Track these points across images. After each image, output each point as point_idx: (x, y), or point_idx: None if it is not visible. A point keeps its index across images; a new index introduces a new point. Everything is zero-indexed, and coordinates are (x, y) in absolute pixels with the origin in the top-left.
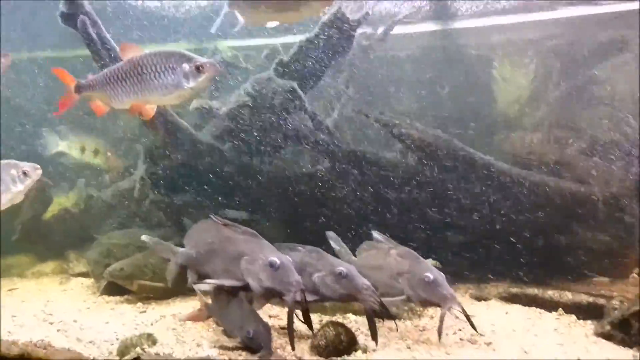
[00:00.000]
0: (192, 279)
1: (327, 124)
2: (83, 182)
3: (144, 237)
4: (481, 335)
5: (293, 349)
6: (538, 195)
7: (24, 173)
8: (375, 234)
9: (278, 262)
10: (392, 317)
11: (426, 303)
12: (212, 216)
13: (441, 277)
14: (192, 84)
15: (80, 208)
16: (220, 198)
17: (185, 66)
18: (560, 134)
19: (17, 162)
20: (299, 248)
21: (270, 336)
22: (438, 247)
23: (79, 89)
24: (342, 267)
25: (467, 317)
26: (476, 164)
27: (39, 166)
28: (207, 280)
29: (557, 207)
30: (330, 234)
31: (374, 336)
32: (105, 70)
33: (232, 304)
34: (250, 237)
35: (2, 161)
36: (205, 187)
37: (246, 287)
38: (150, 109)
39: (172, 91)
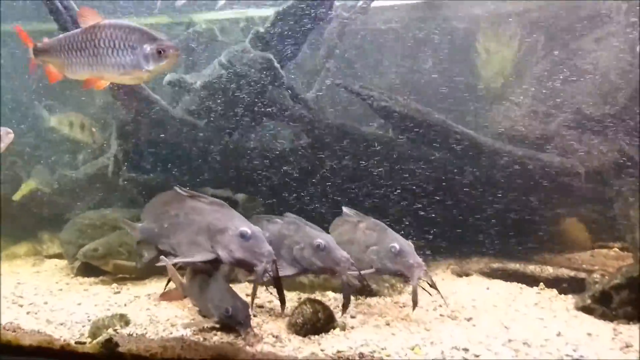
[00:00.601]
0: (148, 255)
1: (307, 97)
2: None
3: (123, 221)
4: (447, 305)
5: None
6: (521, 169)
7: None
8: (345, 209)
9: (249, 232)
10: (372, 292)
11: (394, 274)
12: (176, 187)
13: (409, 247)
14: (151, 67)
15: (53, 188)
16: (195, 175)
17: (147, 47)
18: (544, 107)
19: None
20: (277, 220)
21: (248, 313)
22: (418, 222)
23: (36, 52)
24: (320, 239)
25: (435, 287)
26: (458, 138)
27: (10, 130)
28: (178, 259)
29: (540, 181)
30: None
31: (345, 307)
32: (61, 36)
33: (208, 282)
34: (218, 207)
35: None
36: (181, 164)
37: (216, 261)
38: (103, 84)
39: (128, 71)
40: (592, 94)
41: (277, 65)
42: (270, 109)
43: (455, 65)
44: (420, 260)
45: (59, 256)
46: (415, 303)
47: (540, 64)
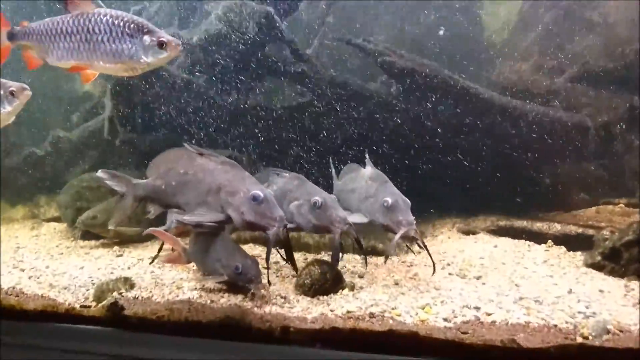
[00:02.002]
0: (154, 211)
1: (307, 53)
2: None
3: (99, 173)
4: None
5: (270, 284)
6: (528, 124)
7: (12, 93)
8: (367, 157)
9: (262, 195)
10: (378, 252)
11: (385, 229)
12: (186, 144)
13: (403, 203)
14: (150, 59)
15: (48, 150)
16: (195, 135)
17: (147, 38)
18: (551, 61)
19: (3, 80)
20: (284, 174)
21: (259, 270)
22: (424, 179)
23: (12, 36)
24: (318, 196)
25: (426, 248)
26: (466, 93)
27: (27, 87)
28: (187, 217)
29: (548, 136)
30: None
31: (333, 260)
32: (47, 20)
33: (214, 242)
34: (229, 168)
35: None
36: (179, 124)
37: (225, 222)
38: (91, 74)
39: (124, 61)
40: (600, 46)
41: (277, 19)
42: (270, 65)
43: (459, 18)
44: (411, 218)
45: (57, 219)
46: (386, 257)
47: (548, 15)
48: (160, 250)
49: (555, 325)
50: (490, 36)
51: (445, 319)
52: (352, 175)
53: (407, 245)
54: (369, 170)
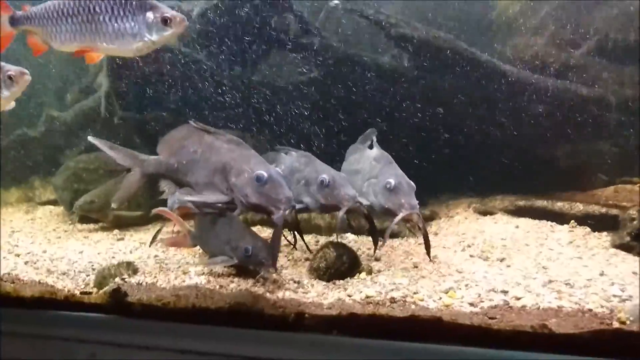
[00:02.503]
0: (169, 190)
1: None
2: None
3: (90, 138)
4: (432, 261)
5: (275, 269)
6: (548, 100)
7: (10, 78)
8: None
9: (266, 175)
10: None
11: (385, 212)
12: (191, 121)
13: (408, 187)
14: (155, 37)
15: (41, 131)
16: (196, 113)
17: (150, 15)
18: (567, 34)
19: (3, 63)
20: (292, 153)
21: (270, 252)
22: (438, 158)
23: (14, 21)
24: (326, 174)
25: (426, 235)
26: (482, 67)
27: (27, 71)
28: (189, 198)
29: (568, 112)
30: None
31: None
32: (48, 2)
33: (220, 223)
34: (235, 146)
35: None
36: (180, 101)
37: (229, 204)
38: (96, 56)
39: (128, 41)
40: (620, 18)
41: None
42: (276, 38)
43: None
44: (415, 202)
45: (53, 202)
46: (375, 242)
47: None
48: (158, 233)
49: (590, 310)
50: (502, 7)
51: (471, 304)
52: (357, 155)
53: (410, 230)
54: (374, 150)
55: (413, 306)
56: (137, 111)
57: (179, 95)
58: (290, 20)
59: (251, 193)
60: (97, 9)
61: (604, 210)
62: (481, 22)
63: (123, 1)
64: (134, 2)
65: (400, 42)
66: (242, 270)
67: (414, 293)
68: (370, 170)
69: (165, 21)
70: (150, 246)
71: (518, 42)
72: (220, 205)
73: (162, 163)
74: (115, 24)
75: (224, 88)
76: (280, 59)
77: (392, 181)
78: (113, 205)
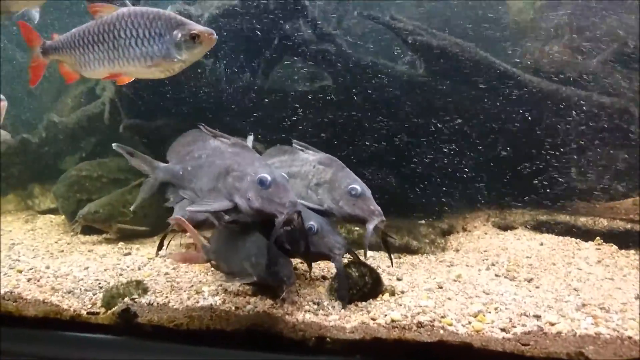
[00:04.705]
0: (174, 199)
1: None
2: None
3: (114, 146)
4: (396, 269)
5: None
6: (569, 110)
7: (192, 38)
8: (295, 143)
9: (269, 178)
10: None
11: (349, 219)
12: (201, 125)
13: (368, 191)
14: (184, 56)
15: (42, 137)
16: (204, 120)
17: (177, 34)
18: (583, 41)
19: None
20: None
21: (292, 270)
22: (455, 168)
23: (44, 50)
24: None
25: (387, 244)
26: (503, 76)
27: (4, 97)
28: (191, 208)
29: (587, 121)
30: None
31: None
32: (73, 30)
33: (241, 238)
34: (239, 150)
35: None
36: (187, 107)
37: (233, 210)
38: (127, 78)
39: (158, 62)
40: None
41: None
42: (289, 45)
43: None
44: (379, 208)
45: (53, 211)
46: (365, 250)
47: None
48: (161, 244)
49: (630, 337)
50: (515, 14)
51: (502, 329)
52: (285, 158)
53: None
54: (317, 154)
55: (441, 331)
56: (144, 118)
57: (187, 102)
58: (304, 26)
59: (254, 197)
60: (122, 34)
61: (629, 226)
62: (496, 26)
63: (147, 23)
64: (159, 22)
65: (418, 49)
66: (260, 289)
67: (442, 317)
68: (318, 174)
69: (194, 38)
70: (157, 256)
71: (531, 48)
72: (235, 215)
73: (169, 170)
74: (143, 47)
75: (235, 94)
76: (292, 64)
77: (358, 187)
78: (132, 208)
